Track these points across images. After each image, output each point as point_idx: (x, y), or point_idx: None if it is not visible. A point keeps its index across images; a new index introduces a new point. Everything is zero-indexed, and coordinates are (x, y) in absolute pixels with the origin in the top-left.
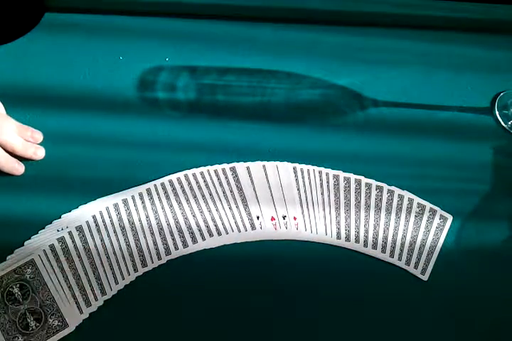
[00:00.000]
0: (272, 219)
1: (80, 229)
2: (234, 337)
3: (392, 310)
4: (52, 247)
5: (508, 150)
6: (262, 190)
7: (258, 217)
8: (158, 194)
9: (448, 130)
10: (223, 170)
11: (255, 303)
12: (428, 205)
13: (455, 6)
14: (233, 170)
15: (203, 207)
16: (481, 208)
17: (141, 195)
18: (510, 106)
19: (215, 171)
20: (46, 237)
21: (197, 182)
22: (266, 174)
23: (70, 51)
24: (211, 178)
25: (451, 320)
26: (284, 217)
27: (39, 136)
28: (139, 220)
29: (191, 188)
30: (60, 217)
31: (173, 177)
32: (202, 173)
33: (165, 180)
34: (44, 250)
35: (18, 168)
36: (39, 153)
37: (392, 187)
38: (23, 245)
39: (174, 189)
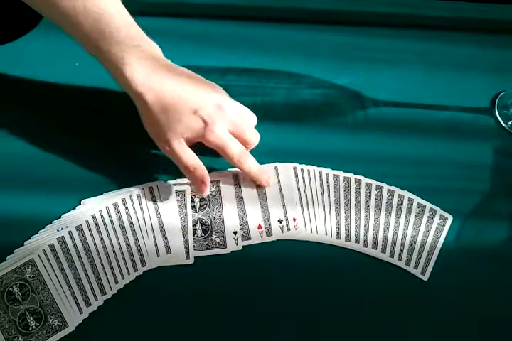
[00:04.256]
0: None
1: (79, 228)
2: (234, 336)
3: (392, 310)
4: (52, 247)
5: (508, 150)
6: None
7: None
8: (158, 193)
9: (448, 130)
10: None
11: (255, 303)
12: (428, 205)
13: (455, 6)
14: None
15: None
16: (481, 208)
17: (140, 195)
18: (510, 106)
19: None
20: (46, 237)
21: None
22: None
23: (70, 51)
24: None
25: (451, 320)
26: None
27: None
28: (139, 220)
29: None
30: (60, 217)
31: None
32: None
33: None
34: (44, 250)
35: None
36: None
37: (392, 187)
38: (23, 245)
39: None
